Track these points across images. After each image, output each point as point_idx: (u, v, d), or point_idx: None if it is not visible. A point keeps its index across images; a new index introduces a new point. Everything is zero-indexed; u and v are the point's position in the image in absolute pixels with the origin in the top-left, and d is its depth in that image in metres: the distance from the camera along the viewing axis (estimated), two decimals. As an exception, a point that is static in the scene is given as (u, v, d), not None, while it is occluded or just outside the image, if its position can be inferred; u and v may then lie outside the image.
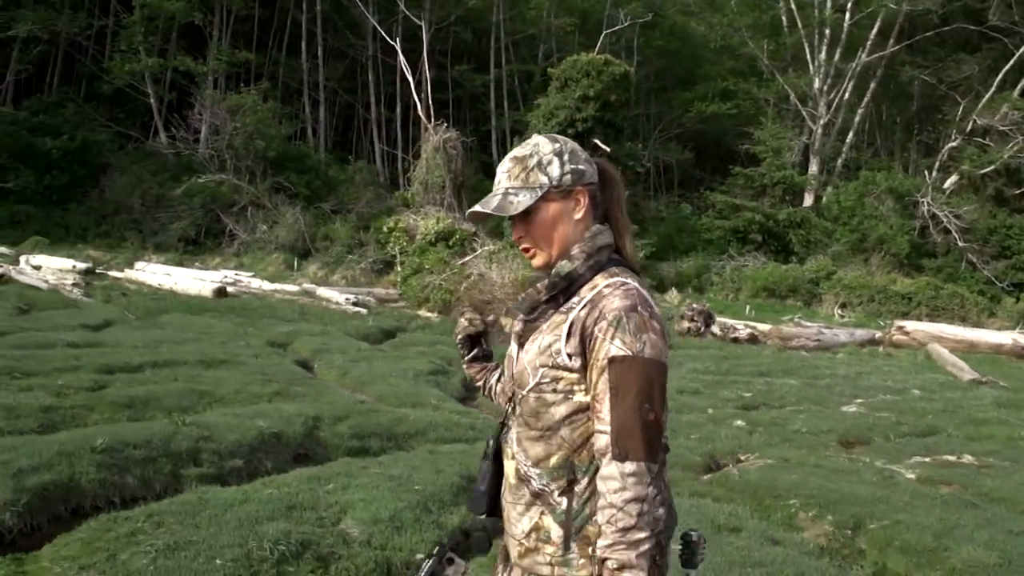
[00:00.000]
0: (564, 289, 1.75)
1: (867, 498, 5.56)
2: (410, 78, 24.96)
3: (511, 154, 1.80)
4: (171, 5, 25.78)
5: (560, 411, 1.70)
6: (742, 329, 16.56)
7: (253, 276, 19.42)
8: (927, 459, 7.28)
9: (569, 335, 1.69)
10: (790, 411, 9.24)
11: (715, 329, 16.71)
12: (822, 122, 30.40)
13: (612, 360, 1.63)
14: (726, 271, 23.33)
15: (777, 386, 10.98)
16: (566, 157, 1.78)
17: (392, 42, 25.64)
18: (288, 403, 6.93)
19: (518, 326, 1.83)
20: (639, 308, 1.67)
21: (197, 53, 27.53)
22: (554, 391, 1.70)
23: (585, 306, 1.70)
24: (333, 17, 31.97)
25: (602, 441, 1.62)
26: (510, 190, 1.76)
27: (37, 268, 17.41)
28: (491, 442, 1.87)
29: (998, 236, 24.75)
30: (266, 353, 10.01)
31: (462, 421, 7.31)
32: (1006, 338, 16.81)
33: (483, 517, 1.89)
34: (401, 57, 24.88)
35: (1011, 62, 27.41)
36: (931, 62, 30.60)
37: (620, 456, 1.60)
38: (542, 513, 1.73)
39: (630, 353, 1.63)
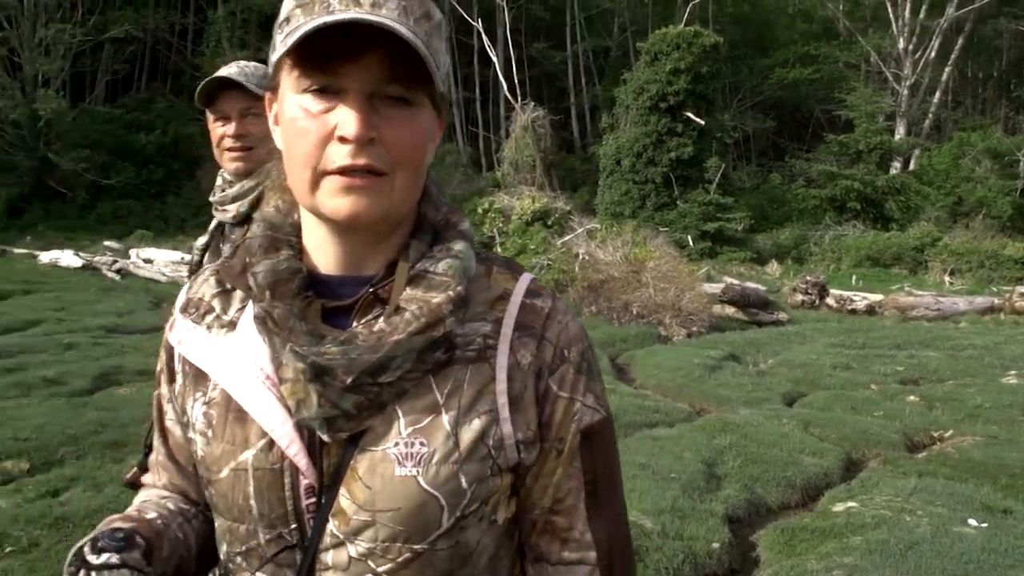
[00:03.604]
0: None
1: (1107, 475, 5.48)
2: (494, 57, 24.96)
3: None
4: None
5: (487, 548, 0.94)
6: (859, 300, 16.31)
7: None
8: None
9: (516, 404, 0.91)
10: (954, 384, 9.11)
11: (830, 301, 16.52)
12: (908, 83, 29.66)
13: (587, 434, 0.94)
14: (824, 241, 22.96)
15: (923, 359, 10.80)
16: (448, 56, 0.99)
17: (472, 21, 25.65)
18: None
19: (319, 401, 0.86)
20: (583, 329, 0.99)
21: (280, 44, 27.98)
22: (480, 519, 0.91)
23: (516, 338, 0.92)
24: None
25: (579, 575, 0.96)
26: (424, 33, 0.86)
27: (148, 261, 17.95)
28: None
29: (1109, 194, 23.96)
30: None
31: (645, 404, 7.37)
32: None
33: None
34: (484, 37, 24.88)
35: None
36: (1025, 12, 29.61)
37: None
38: None
39: (605, 415, 0.97)
